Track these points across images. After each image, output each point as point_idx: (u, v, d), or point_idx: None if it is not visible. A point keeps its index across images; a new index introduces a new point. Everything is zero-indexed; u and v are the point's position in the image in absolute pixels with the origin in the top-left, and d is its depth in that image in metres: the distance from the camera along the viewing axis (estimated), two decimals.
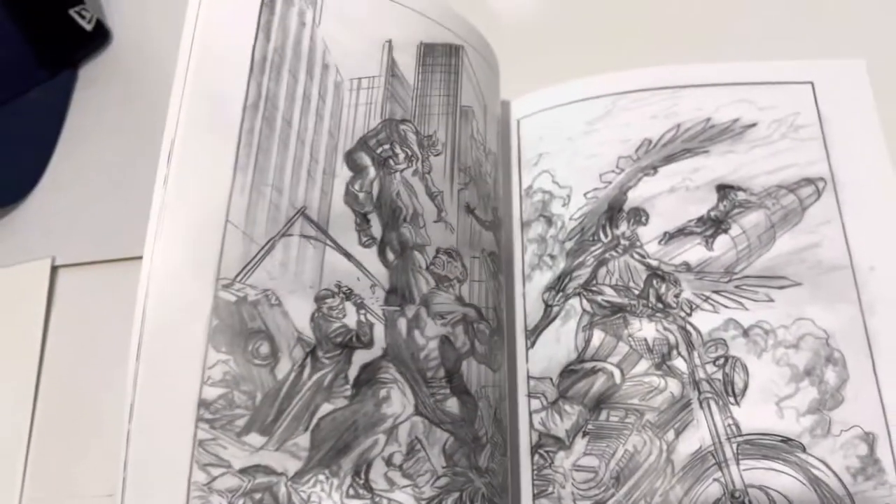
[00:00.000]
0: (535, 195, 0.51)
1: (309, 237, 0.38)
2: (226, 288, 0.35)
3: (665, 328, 0.45)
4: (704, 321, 0.44)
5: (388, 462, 0.37)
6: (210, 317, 0.35)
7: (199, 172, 0.36)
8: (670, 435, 0.42)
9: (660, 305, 0.45)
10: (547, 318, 0.47)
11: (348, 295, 0.38)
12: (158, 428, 0.34)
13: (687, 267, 0.46)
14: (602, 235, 0.48)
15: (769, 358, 0.43)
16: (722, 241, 0.46)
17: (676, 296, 0.45)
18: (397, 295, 0.39)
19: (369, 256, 0.39)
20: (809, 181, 0.47)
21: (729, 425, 0.42)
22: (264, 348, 0.36)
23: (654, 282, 0.46)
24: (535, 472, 0.44)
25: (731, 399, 0.42)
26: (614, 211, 0.48)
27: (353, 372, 0.37)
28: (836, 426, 0.41)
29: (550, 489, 0.43)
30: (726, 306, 0.44)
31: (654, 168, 0.49)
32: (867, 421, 0.41)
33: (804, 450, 0.41)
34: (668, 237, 0.47)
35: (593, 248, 0.48)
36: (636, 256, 0.47)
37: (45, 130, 0.62)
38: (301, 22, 0.40)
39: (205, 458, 0.34)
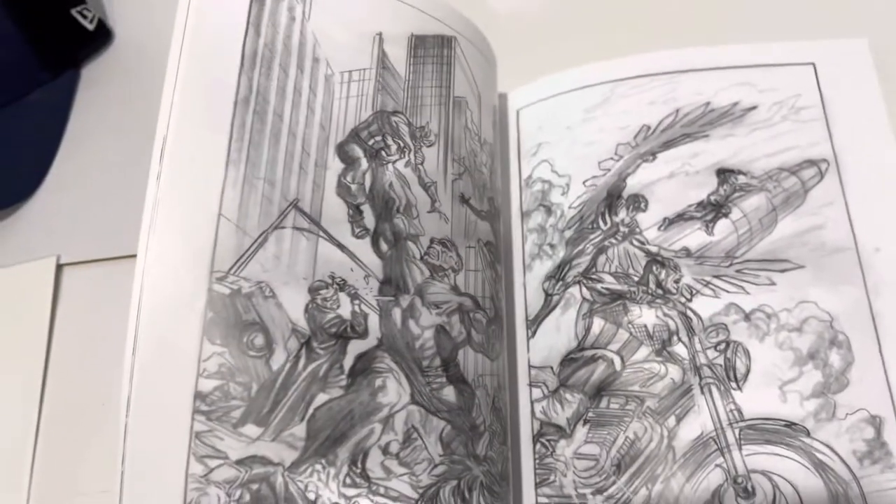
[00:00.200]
0: (535, 185, 0.51)
1: (302, 229, 0.38)
2: (220, 281, 0.36)
3: (665, 314, 0.44)
4: (705, 306, 0.44)
5: (385, 451, 0.37)
6: (205, 309, 0.35)
7: (192, 168, 0.37)
8: (671, 421, 0.42)
9: (660, 291, 0.45)
10: (547, 308, 0.47)
11: (342, 286, 0.38)
12: (155, 421, 0.34)
13: (687, 252, 0.45)
14: (601, 223, 0.48)
15: (771, 342, 0.42)
16: (722, 226, 0.46)
17: (676, 281, 0.45)
18: (391, 285, 0.39)
19: (363, 247, 0.39)
20: (812, 163, 0.46)
21: (731, 411, 0.41)
22: (259, 340, 0.36)
23: (654, 268, 0.45)
24: (537, 460, 0.44)
25: (733, 384, 0.42)
26: (613, 198, 0.48)
27: (348, 362, 0.37)
28: (842, 409, 0.40)
29: (552, 478, 0.43)
30: (727, 291, 0.44)
31: (653, 154, 0.48)
32: (873, 404, 0.40)
33: (808, 434, 0.40)
34: (668, 223, 0.46)
35: (592, 236, 0.48)
36: (635, 243, 0.46)
37: (48, 130, 0.63)
38: (291, 16, 0.40)
39: (202, 449, 0.34)
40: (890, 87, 0.47)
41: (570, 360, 0.45)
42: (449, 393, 0.40)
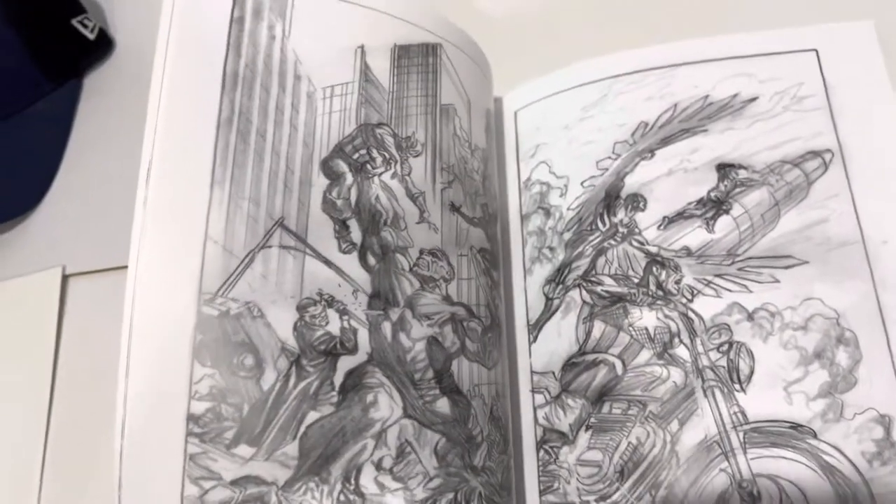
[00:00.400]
0: (534, 187, 0.50)
1: (288, 247, 0.38)
2: (208, 303, 0.36)
3: (666, 316, 0.43)
4: (707, 307, 0.43)
5: (378, 466, 0.37)
6: (194, 332, 0.35)
7: (177, 191, 0.37)
8: (674, 425, 0.41)
9: (660, 293, 0.44)
10: (548, 312, 0.47)
11: (330, 302, 0.38)
12: (150, 444, 0.35)
13: (687, 251, 0.44)
14: (600, 224, 0.47)
15: (776, 341, 0.41)
16: (723, 223, 0.45)
17: (677, 282, 0.44)
18: (380, 299, 0.39)
19: (350, 262, 0.39)
20: (815, 154, 0.45)
21: (735, 413, 0.40)
22: (249, 360, 0.36)
23: (654, 269, 0.45)
24: (541, 467, 0.44)
25: (737, 386, 0.41)
26: (611, 198, 0.47)
27: (338, 378, 0.37)
28: (850, 409, 0.39)
29: (556, 485, 0.43)
30: (729, 290, 0.43)
31: (651, 151, 0.47)
32: (883, 403, 0.39)
33: (815, 436, 0.39)
34: (668, 222, 0.45)
35: (591, 238, 0.47)
36: (635, 244, 0.46)
37: (52, 141, 0.64)
38: (271, 35, 0.40)
39: (196, 471, 0.35)
40: None
41: (572, 365, 0.45)
42: (443, 405, 0.39)
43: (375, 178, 0.42)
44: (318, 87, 0.41)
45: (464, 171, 0.45)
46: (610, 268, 0.46)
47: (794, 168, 0.45)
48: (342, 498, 0.36)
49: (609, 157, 0.48)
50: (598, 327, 0.45)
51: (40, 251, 0.61)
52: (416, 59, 0.45)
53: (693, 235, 0.45)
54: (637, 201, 0.46)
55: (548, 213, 0.49)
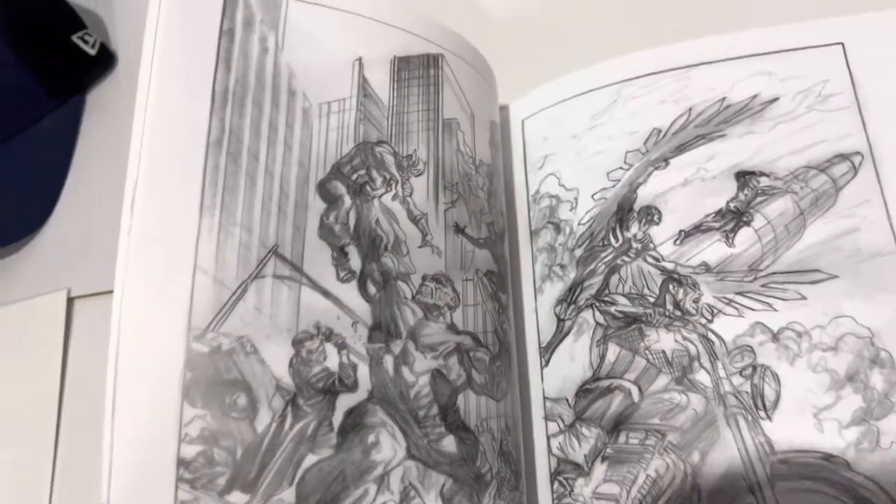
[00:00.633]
0: (543, 200, 0.48)
1: (283, 277, 0.36)
2: (198, 339, 0.34)
3: (684, 338, 0.41)
4: (728, 327, 0.40)
5: None
6: (183, 371, 0.34)
7: (164, 219, 0.35)
8: (695, 457, 0.39)
9: (678, 313, 0.41)
10: (560, 334, 0.44)
11: (328, 335, 0.36)
12: (138, 492, 0.33)
13: (706, 268, 0.42)
14: (612, 239, 0.44)
15: (804, 364, 0.38)
16: (744, 236, 0.42)
17: (695, 301, 0.41)
18: (381, 331, 0.37)
19: (349, 292, 0.37)
20: (843, 157, 0.41)
21: (760, 443, 0.38)
22: (242, 400, 0.34)
23: (671, 287, 0.42)
24: (556, 500, 0.42)
25: (762, 413, 0.38)
26: (624, 211, 0.44)
27: (337, 418, 0.35)
28: (886, 438, 0.36)
29: None
30: (752, 309, 0.40)
31: (665, 160, 0.44)
32: None
33: (849, 467, 0.36)
34: (684, 236, 0.43)
35: (604, 255, 0.44)
36: (650, 260, 0.43)
37: (56, 159, 0.63)
38: (263, 48, 0.38)
39: None
40: None
41: (586, 392, 0.42)
42: (449, 443, 0.37)
43: (375, 201, 0.39)
44: (313, 104, 0.39)
45: (468, 189, 0.43)
46: (624, 286, 0.43)
47: (821, 173, 0.42)
48: None
49: (620, 168, 0.45)
50: (613, 351, 0.42)
51: (45, 274, 0.60)
52: (417, 71, 0.43)
53: (712, 250, 0.42)
54: (651, 214, 0.44)
55: (558, 229, 0.46)
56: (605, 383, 0.42)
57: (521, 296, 0.47)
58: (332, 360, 0.36)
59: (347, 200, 0.38)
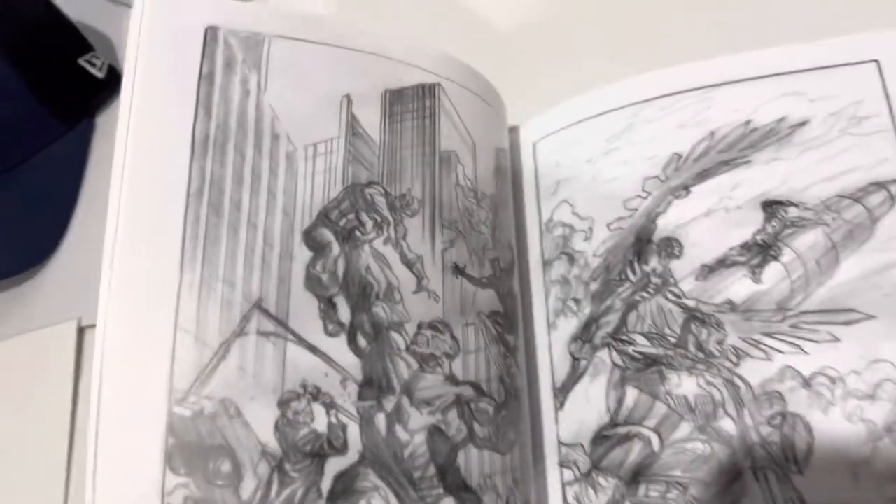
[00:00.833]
0: (556, 229, 0.45)
1: (267, 333, 0.34)
2: (180, 402, 0.32)
3: (708, 382, 0.38)
4: (755, 371, 0.37)
5: None
6: (166, 436, 0.32)
7: (144, 277, 0.33)
8: None
9: (701, 355, 0.39)
10: (575, 374, 0.42)
11: (315, 395, 0.34)
12: None
13: (731, 306, 0.39)
14: (630, 273, 0.42)
15: (838, 413, 0.35)
16: (772, 271, 0.39)
17: (720, 342, 0.38)
18: (373, 387, 0.35)
19: (338, 346, 0.35)
20: (879, 185, 0.38)
21: (791, 500, 0.35)
22: (226, 466, 0.32)
23: (693, 326, 0.39)
24: None
25: (793, 467, 0.35)
26: (642, 243, 0.42)
27: (326, 484, 0.33)
28: None
29: None
30: (781, 351, 0.37)
31: (686, 188, 0.42)
32: None
33: None
34: (707, 271, 0.40)
35: (621, 290, 0.42)
36: (670, 297, 0.40)
37: (66, 185, 0.62)
38: (245, 90, 0.36)
39: None
40: None
41: (603, 438, 0.40)
42: None
43: (365, 246, 0.37)
44: (298, 146, 0.37)
45: (468, 225, 0.41)
46: (643, 325, 0.40)
47: (855, 203, 0.38)
48: None
49: (638, 196, 0.42)
50: (631, 394, 0.40)
51: (55, 303, 0.59)
52: (411, 104, 0.40)
53: (737, 287, 0.39)
54: (671, 247, 0.41)
55: (572, 260, 0.44)
56: (623, 430, 0.39)
57: (534, 331, 0.44)
58: (321, 421, 0.34)
59: (335, 248, 0.36)
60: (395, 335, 0.36)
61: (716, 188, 0.41)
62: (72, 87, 0.63)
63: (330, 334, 0.35)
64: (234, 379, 0.33)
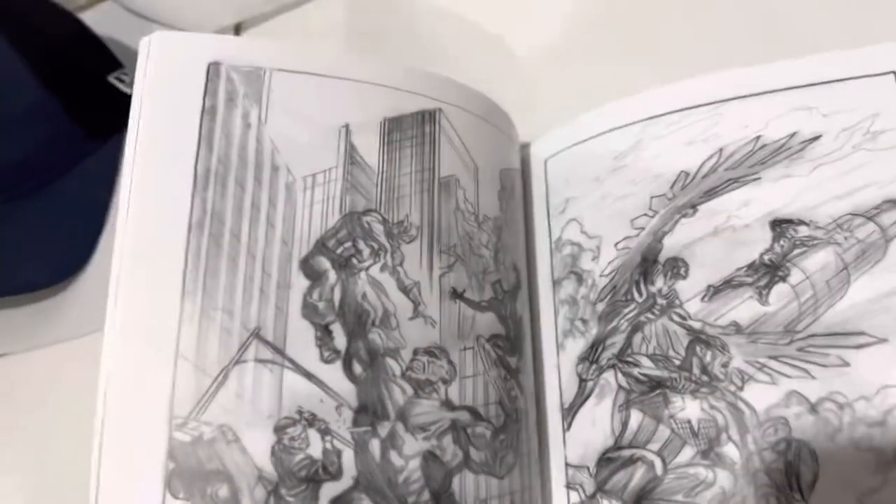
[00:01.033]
0: (565, 248, 0.45)
1: (265, 361, 0.35)
2: (180, 428, 0.33)
3: (712, 406, 0.37)
4: (760, 396, 0.36)
5: None
6: (166, 461, 0.33)
7: (146, 306, 0.34)
8: None
9: (705, 378, 0.38)
10: (582, 396, 0.42)
11: (311, 421, 0.35)
12: None
13: (737, 328, 0.38)
14: (636, 294, 0.41)
15: (845, 440, 0.34)
16: (779, 292, 0.38)
17: (724, 365, 0.38)
18: (368, 413, 0.36)
19: (333, 373, 0.36)
20: (894, 203, 0.37)
21: None
22: (223, 491, 0.33)
23: (698, 349, 0.38)
24: None
25: (797, 496, 0.34)
26: (649, 263, 0.41)
27: None
28: None
29: None
30: (788, 375, 0.36)
31: (694, 206, 0.41)
32: None
33: None
34: (713, 292, 0.39)
35: (627, 311, 0.41)
36: (675, 318, 0.40)
37: (96, 200, 0.63)
38: (246, 123, 0.37)
39: None
40: None
41: (608, 461, 0.39)
42: None
43: (362, 273, 0.38)
44: (297, 177, 0.38)
45: (468, 249, 0.41)
46: (648, 346, 0.40)
47: (868, 222, 0.37)
48: None
49: (645, 215, 0.42)
50: (636, 417, 0.39)
51: (85, 315, 0.60)
52: (410, 130, 0.41)
53: (743, 308, 0.38)
54: (677, 267, 0.40)
55: (580, 280, 0.43)
56: (627, 453, 0.39)
57: (542, 351, 0.44)
58: (316, 447, 0.34)
59: (332, 276, 0.37)
60: (390, 361, 0.37)
61: (723, 206, 0.40)
62: (102, 104, 0.64)
63: (326, 361, 0.36)
64: (232, 405, 0.34)
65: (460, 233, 0.41)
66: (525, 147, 0.49)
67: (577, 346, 0.42)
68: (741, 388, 0.37)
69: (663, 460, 0.38)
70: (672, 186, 0.42)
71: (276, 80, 0.38)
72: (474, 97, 0.44)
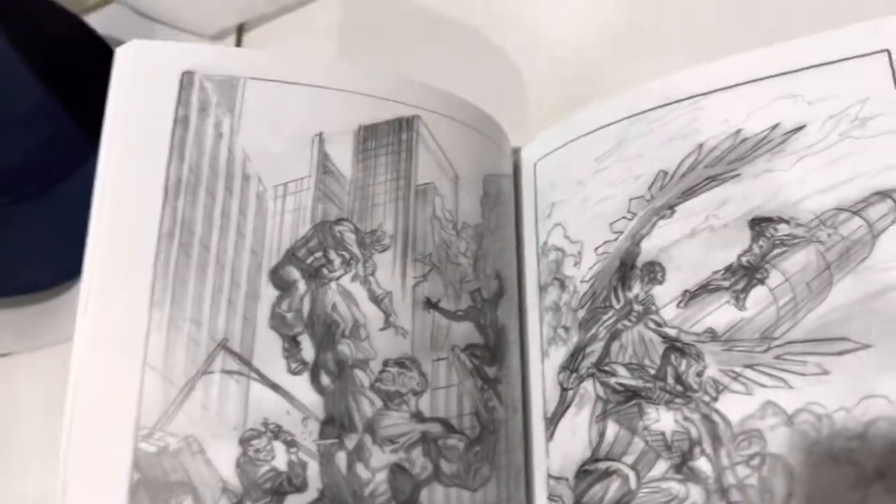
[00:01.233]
0: (550, 253, 0.44)
1: (231, 372, 0.36)
2: (146, 438, 0.34)
3: (686, 418, 0.36)
4: (735, 407, 0.35)
5: None
6: (131, 471, 0.34)
7: (116, 318, 0.35)
8: None
9: (679, 388, 0.36)
10: (563, 405, 0.41)
11: (276, 433, 0.35)
12: None
13: (712, 335, 0.36)
14: (614, 300, 0.40)
15: (823, 454, 0.32)
16: (757, 296, 0.36)
17: (699, 374, 0.36)
18: (335, 425, 0.36)
19: (300, 384, 0.36)
20: (883, 195, 0.34)
21: None
22: (188, 502, 0.35)
23: (673, 357, 0.37)
24: None
25: None
26: (626, 268, 0.40)
27: None
28: None
29: None
30: (763, 385, 0.34)
31: (671, 207, 0.39)
32: None
33: None
34: (689, 297, 0.37)
35: (605, 318, 0.40)
36: (651, 325, 0.38)
37: None
38: (217, 133, 0.38)
39: None
40: None
41: (585, 473, 0.38)
42: None
43: (332, 284, 0.38)
44: (268, 187, 0.38)
45: (445, 257, 0.41)
46: (624, 355, 0.39)
47: (854, 216, 0.34)
48: None
49: (624, 217, 0.40)
50: (612, 429, 0.38)
51: None
52: (386, 138, 0.41)
53: (719, 314, 0.36)
54: (654, 272, 0.39)
55: (563, 286, 0.42)
56: (603, 466, 0.38)
57: (529, 359, 0.43)
58: (281, 459, 0.35)
59: (302, 286, 0.37)
60: (359, 373, 0.37)
61: (702, 206, 0.38)
62: (105, 105, 0.67)
63: (293, 373, 0.36)
64: (198, 416, 0.35)
65: (437, 241, 0.41)
66: (516, 151, 0.48)
67: (559, 354, 0.41)
68: (715, 399, 0.35)
69: (637, 474, 0.36)
70: (650, 187, 0.40)
71: (250, 89, 0.39)
72: (456, 103, 0.44)
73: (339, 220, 0.39)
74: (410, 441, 0.37)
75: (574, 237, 0.42)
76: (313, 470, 0.35)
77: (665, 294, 0.38)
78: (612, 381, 0.38)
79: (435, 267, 0.40)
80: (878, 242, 0.34)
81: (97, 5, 0.70)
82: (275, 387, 0.36)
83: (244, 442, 0.35)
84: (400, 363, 0.38)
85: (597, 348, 0.40)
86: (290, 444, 0.35)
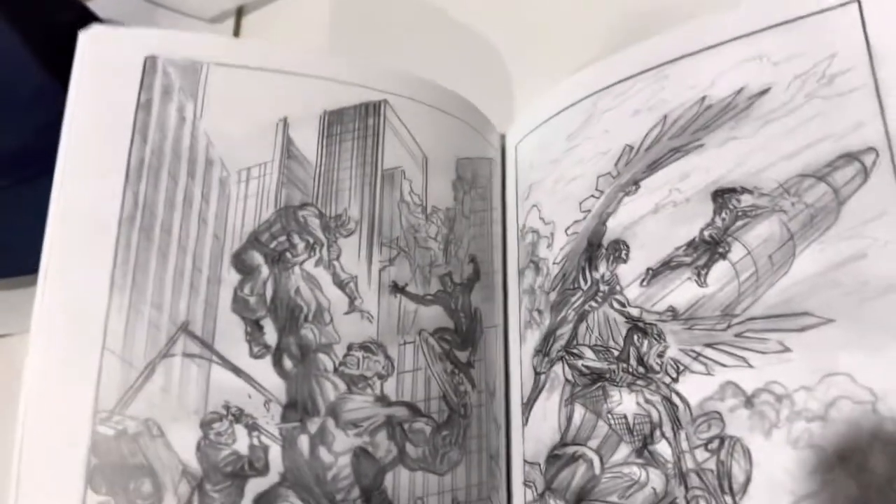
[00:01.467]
0: (527, 236, 0.43)
1: (192, 356, 0.36)
2: (104, 422, 0.34)
3: (647, 400, 0.34)
4: (694, 388, 0.33)
5: None
6: (88, 456, 0.34)
7: (74, 299, 0.35)
8: None
9: (641, 370, 0.35)
10: (536, 390, 0.40)
11: (238, 416, 0.36)
12: None
13: (673, 314, 0.35)
14: (582, 281, 0.39)
15: (782, 437, 0.30)
16: (719, 272, 0.34)
17: (660, 355, 0.34)
18: (297, 409, 0.37)
19: (262, 368, 0.37)
20: (850, 157, 0.32)
21: None
22: (147, 487, 0.35)
23: (635, 338, 0.36)
24: None
25: (728, 499, 0.31)
26: (593, 248, 0.38)
27: None
28: None
29: None
30: (724, 364, 0.33)
31: (636, 183, 0.38)
32: None
33: None
34: (651, 275, 0.36)
35: (574, 299, 0.39)
36: (615, 305, 0.37)
37: None
38: (181, 117, 0.39)
39: None
40: None
41: (554, 458, 0.38)
42: None
43: (296, 268, 0.39)
44: (231, 171, 0.39)
45: (413, 241, 0.40)
46: (591, 337, 0.38)
47: (819, 182, 0.32)
48: None
49: (592, 196, 0.39)
50: (579, 412, 0.37)
51: None
52: (352, 123, 0.41)
53: (680, 291, 0.35)
54: (619, 250, 0.37)
55: (537, 269, 0.42)
56: (570, 450, 0.37)
57: (509, 344, 0.43)
58: (242, 443, 0.36)
59: (265, 270, 0.38)
60: (322, 357, 0.37)
61: (665, 180, 0.37)
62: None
63: (255, 356, 0.37)
64: (158, 399, 0.35)
65: (404, 225, 0.41)
66: (505, 137, 0.47)
67: (534, 338, 0.41)
68: (676, 380, 0.34)
69: (601, 458, 0.35)
70: (617, 163, 0.39)
71: (214, 74, 0.39)
72: (425, 87, 0.43)
73: (303, 205, 0.39)
74: (375, 425, 0.37)
75: (548, 218, 0.41)
76: (275, 453, 0.36)
77: (629, 273, 0.37)
78: (580, 363, 0.37)
79: (402, 251, 0.40)
80: (843, 209, 0.31)
81: None
82: (236, 370, 0.37)
83: (205, 425, 0.36)
84: (365, 347, 0.38)
85: (566, 331, 0.39)
86: (252, 427, 0.36)
